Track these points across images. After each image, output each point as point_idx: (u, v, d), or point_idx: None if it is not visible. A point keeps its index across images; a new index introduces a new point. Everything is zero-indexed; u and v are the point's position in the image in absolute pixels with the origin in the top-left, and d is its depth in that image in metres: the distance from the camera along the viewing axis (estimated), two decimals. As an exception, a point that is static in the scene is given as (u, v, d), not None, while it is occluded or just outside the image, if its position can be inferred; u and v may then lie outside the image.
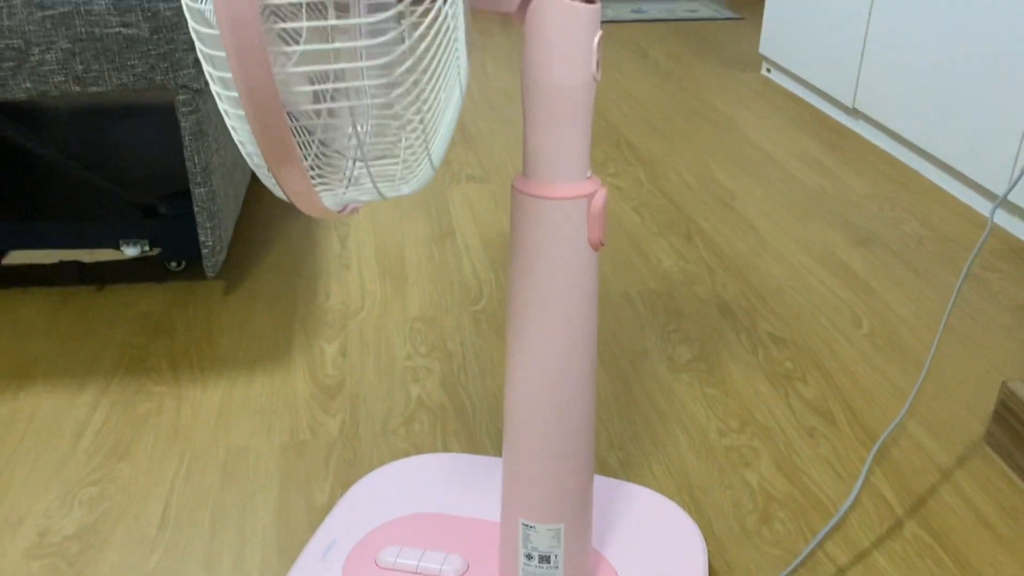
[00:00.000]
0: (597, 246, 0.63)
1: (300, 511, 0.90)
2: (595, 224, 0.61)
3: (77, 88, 1.07)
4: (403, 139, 0.54)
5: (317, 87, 0.49)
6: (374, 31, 0.50)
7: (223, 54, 0.47)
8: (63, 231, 1.23)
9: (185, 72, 1.09)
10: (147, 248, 1.24)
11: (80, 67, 1.06)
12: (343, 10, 0.50)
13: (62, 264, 1.30)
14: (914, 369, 1.15)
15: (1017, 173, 1.45)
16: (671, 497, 0.93)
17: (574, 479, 0.69)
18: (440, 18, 0.51)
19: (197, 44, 0.50)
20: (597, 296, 0.66)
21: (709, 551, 0.86)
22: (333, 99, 0.53)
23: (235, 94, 0.48)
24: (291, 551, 0.85)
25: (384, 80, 0.51)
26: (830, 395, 1.09)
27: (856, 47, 1.93)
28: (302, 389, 1.09)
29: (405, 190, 0.54)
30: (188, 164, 1.14)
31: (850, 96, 1.97)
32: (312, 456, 0.98)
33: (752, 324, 1.24)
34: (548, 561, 0.71)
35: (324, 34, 0.55)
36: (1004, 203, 1.54)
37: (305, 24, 0.54)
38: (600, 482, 0.87)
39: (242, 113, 0.48)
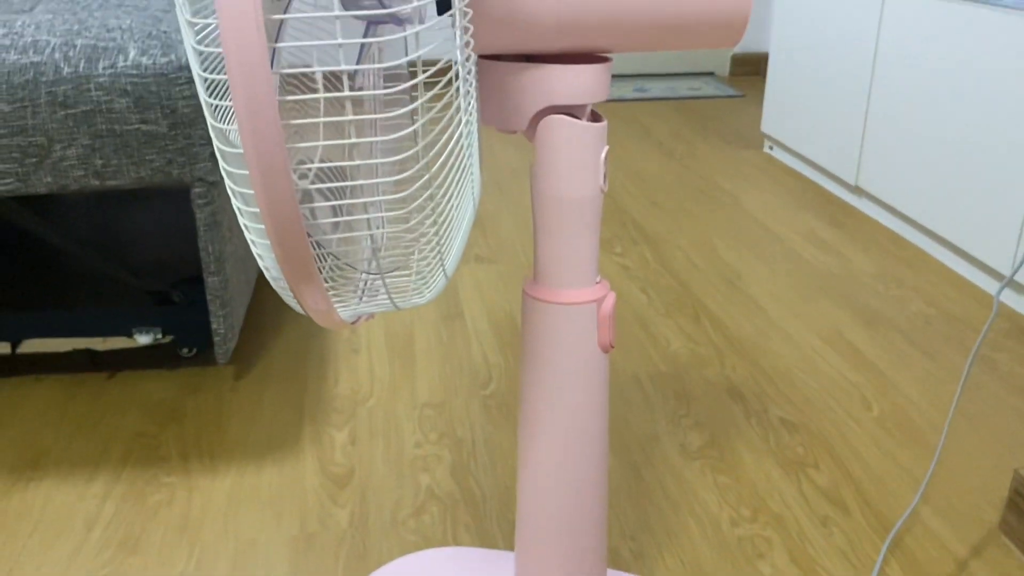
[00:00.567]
0: (607, 349, 0.64)
1: (310, 608, 0.89)
2: (605, 328, 0.62)
3: (96, 182, 1.10)
4: (417, 252, 0.55)
5: (335, 206, 0.51)
6: (390, 150, 0.52)
7: (245, 172, 0.49)
8: (77, 320, 1.25)
9: (201, 165, 1.12)
10: (159, 336, 1.25)
11: (99, 162, 1.09)
12: (360, 134, 0.52)
13: (75, 352, 1.31)
14: (925, 453, 1.14)
15: (1023, 253, 1.47)
16: (684, 591, 0.91)
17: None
18: (455, 137, 0.53)
19: (221, 163, 0.52)
20: (608, 396, 0.66)
21: (724, 649, 0.85)
22: (349, 213, 0.55)
23: (255, 210, 0.50)
24: (300, 650, 0.84)
25: (400, 195, 0.52)
26: (842, 482, 1.08)
27: (857, 125, 1.97)
28: (311, 478, 1.09)
29: (419, 301, 0.55)
30: (202, 254, 1.16)
31: (852, 174, 2.00)
32: (322, 549, 0.97)
33: (763, 408, 1.24)
34: (561, 665, 0.71)
35: (342, 151, 0.57)
36: (1011, 283, 1.55)
37: (322, 143, 0.56)
38: (612, 577, 0.86)
39: (262, 227, 0.49)
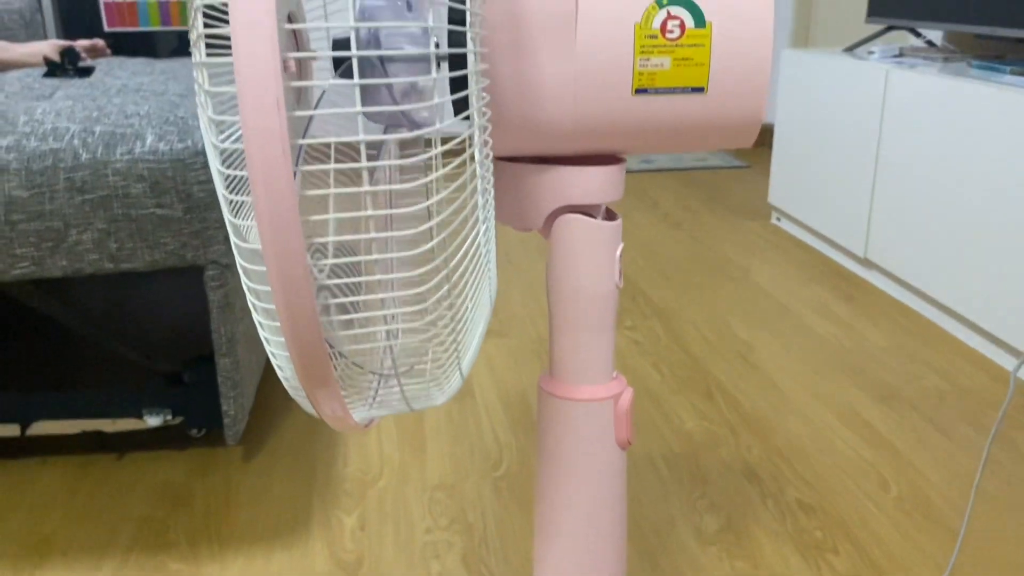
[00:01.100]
0: (624, 445, 0.63)
1: None
2: (622, 424, 0.62)
3: (110, 265, 1.11)
4: (432, 351, 0.55)
5: (352, 314, 0.51)
6: (407, 263, 0.52)
7: (261, 268, 0.49)
8: (87, 401, 1.24)
9: (215, 248, 1.12)
10: (169, 417, 1.25)
11: (114, 246, 1.10)
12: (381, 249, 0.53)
13: (84, 434, 1.30)
14: (947, 537, 1.11)
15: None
16: None
17: None
18: (472, 236, 0.53)
19: (237, 258, 0.52)
20: (625, 491, 0.65)
21: None
22: (365, 310, 0.55)
23: (270, 306, 0.50)
24: None
25: (419, 307, 0.52)
26: (863, 567, 1.06)
27: (865, 197, 1.98)
28: (321, 565, 1.06)
29: (435, 402, 0.54)
30: (214, 335, 1.16)
31: (861, 246, 2.00)
32: (331, 641, 0.95)
33: (779, 490, 1.22)
34: None
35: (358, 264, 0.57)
36: (1024, 357, 1.53)
37: (333, 238, 0.56)
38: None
39: (276, 324, 0.49)
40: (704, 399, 1.47)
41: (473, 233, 0.53)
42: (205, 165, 1.09)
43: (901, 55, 2.03)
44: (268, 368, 1.60)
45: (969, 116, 1.62)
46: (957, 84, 1.65)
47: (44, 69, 1.48)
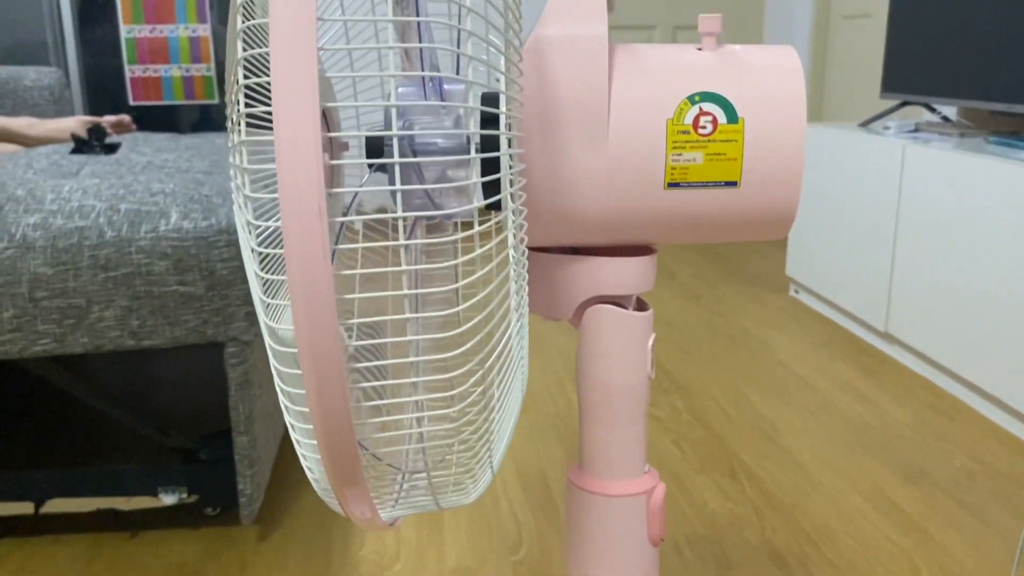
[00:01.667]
0: (657, 542, 0.61)
1: None
2: (655, 521, 0.60)
3: (131, 342, 1.11)
4: (460, 445, 0.54)
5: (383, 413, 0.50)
6: (439, 369, 0.52)
7: (296, 372, 0.48)
8: (102, 478, 1.23)
9: (236, 325, 1.12)
10: (185, 496, 1.23)
11: (136, 323, 1.10)
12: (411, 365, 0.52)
13: (98, 512, 1.29)
14: (985, 630, 1.07)
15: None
16: None
17: None
18: (505, 330, 0.52)
19: (272, 360, 0.52)
20: (657, 591, 0.63)
21: None
22: (396, 410, 0.54)
23: (304, 409, 0.49)
24: None
25: (450, 394, 0.51)
26: (898, 661, 1.02)
27: (884, 269, 1.97)
28: (336, 654, 1.03)
29: (465, 500, 0.53)
30: (232, 413, 1.15)
31: (882, 320, 1.99)
32: None
33: (807, 574, 1.18)
34: None
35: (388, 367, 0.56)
36: (1054, 436, 1.50)
37: (351, 340, 0.56)
38: None
39: (309, 427, 0.48)
40: (727, 478, 1.44)
41: (505, 323, 0.53)
42: (228, 243, 1.09)
43: (917, 130, 2.04)
44: (283, 445, 1.58)
45: (987, 191, 1.62)
46: (975, 160, 1.65)
47: (71, 146, 1.50)
